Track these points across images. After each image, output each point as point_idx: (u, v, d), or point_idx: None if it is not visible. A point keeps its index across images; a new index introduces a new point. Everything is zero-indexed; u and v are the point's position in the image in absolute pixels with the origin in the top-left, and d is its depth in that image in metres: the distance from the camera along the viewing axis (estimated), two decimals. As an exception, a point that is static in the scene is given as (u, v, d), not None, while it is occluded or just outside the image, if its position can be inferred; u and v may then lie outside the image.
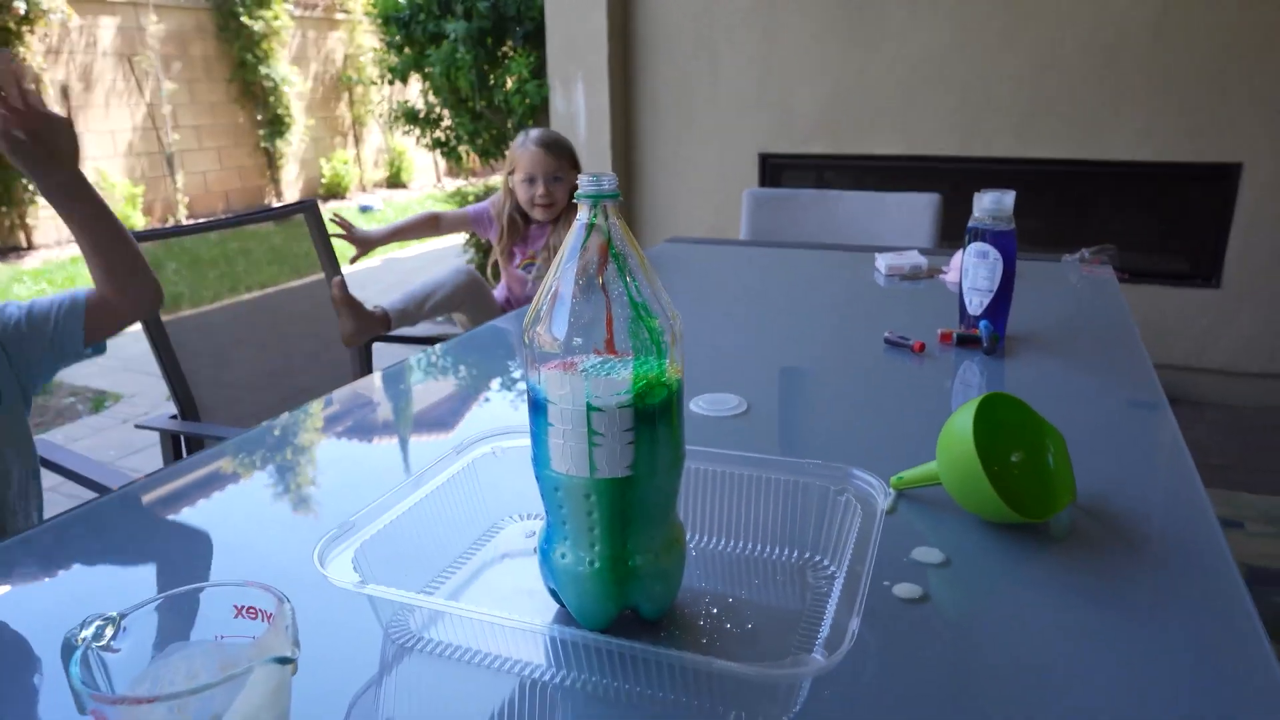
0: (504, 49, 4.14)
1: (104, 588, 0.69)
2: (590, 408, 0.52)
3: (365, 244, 2.10)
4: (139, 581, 0.70)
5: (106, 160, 6.68)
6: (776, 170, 3.64)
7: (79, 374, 3.63)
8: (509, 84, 4.03)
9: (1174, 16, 2.95)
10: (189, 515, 0.80)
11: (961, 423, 0.71)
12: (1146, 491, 0.80)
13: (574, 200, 0.54)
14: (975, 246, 1.26)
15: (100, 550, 0.74)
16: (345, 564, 0.57)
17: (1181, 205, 3.20)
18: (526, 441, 0.75)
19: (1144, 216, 3.26)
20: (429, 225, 2.27)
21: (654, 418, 0.54)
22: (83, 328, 1.10)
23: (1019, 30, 3.12)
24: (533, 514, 0.76)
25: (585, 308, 0.53)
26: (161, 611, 0.50)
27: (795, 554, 0.68)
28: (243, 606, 0.50)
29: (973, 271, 1.27)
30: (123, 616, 0.48)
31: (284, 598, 0.49)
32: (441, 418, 1.06)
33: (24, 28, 5.86)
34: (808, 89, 3.45)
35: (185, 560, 0.72)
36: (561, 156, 2.07)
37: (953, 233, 2.46)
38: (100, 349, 1.15)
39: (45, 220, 6.21)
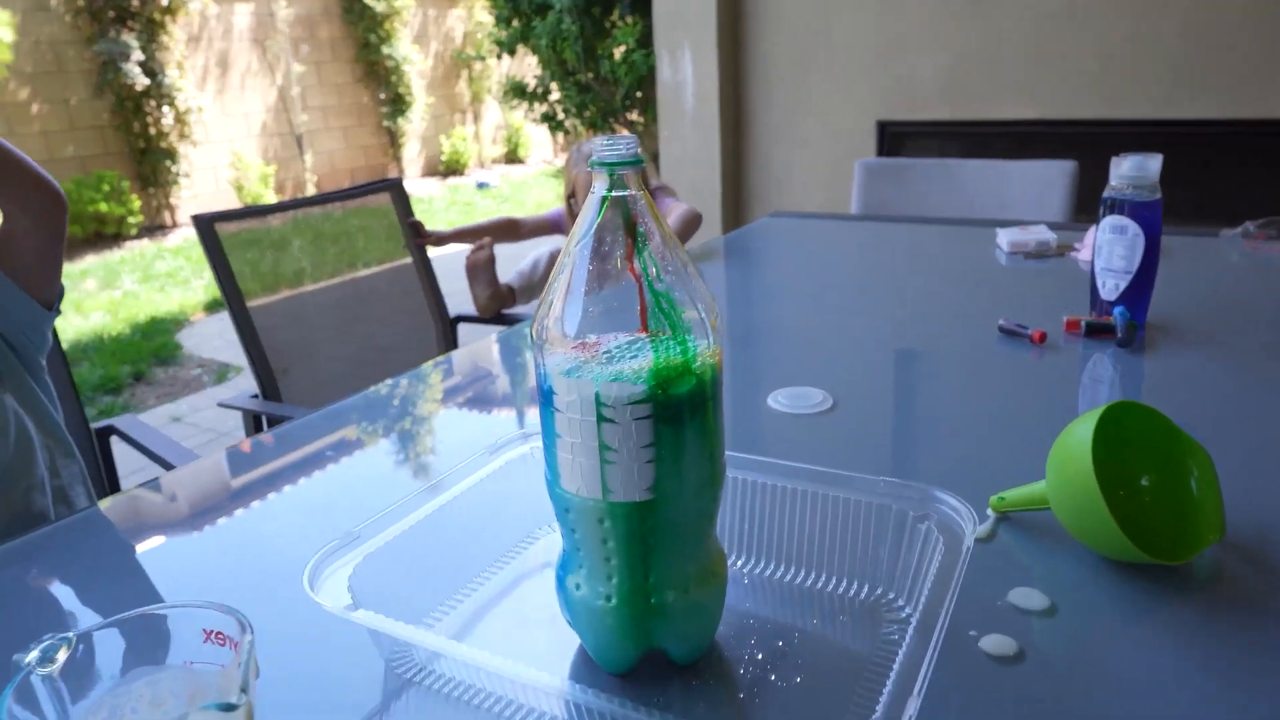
0: (610, 19, 4.06)
1: (106, 594, 0.66)
2: (601, 418, 0.44)
3: (440, 241, 2.10)
4: (143, 589, 0.67)
5: (241, 142, 7.05)
6: (897, 139, 3.42)
7: (207, 347, 3.84)
8: (616, 54, 3.95)
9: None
10: (225, 509, 0.77)
11: (1078, 436, 0.59)
12: (1321, 525, 0.65)
13: (589, 168, 0.45)
14: (1111, 220, 1.09)
15: (112, 550, 0.72)
16: (340, 583, 0.51)
17: (1370, 171, 2.80)
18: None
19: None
20: (508, 230, 2.24)
21: (680, 422, 0.45)
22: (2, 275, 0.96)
23: (1175, -24, 2.78)
24: (572, 523, 0.68)
25: (601, 297, 0.45)
26: (129, 632, 0.45)
27: (865, 590, 0.58)
28: (211, 631, 0.45)
29: (1107, 250, 1.10)
30: (79, 638, 0.44)
31: (246, 625, 0.43)
32: (495, 404, 1.00)
33: (167, 18, 6.22)
34: (930, 51, 3.21)
35: (207, 562, 0.69)
36: None
37: (1091, 205, 2.22)
38: (60, 297, 1.01)
39: (187, 200, 6.61)
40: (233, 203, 6.91)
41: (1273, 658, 0.51)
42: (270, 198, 7.02)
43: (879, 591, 0.58)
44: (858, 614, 0.56)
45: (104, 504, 0.78)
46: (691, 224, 2.06)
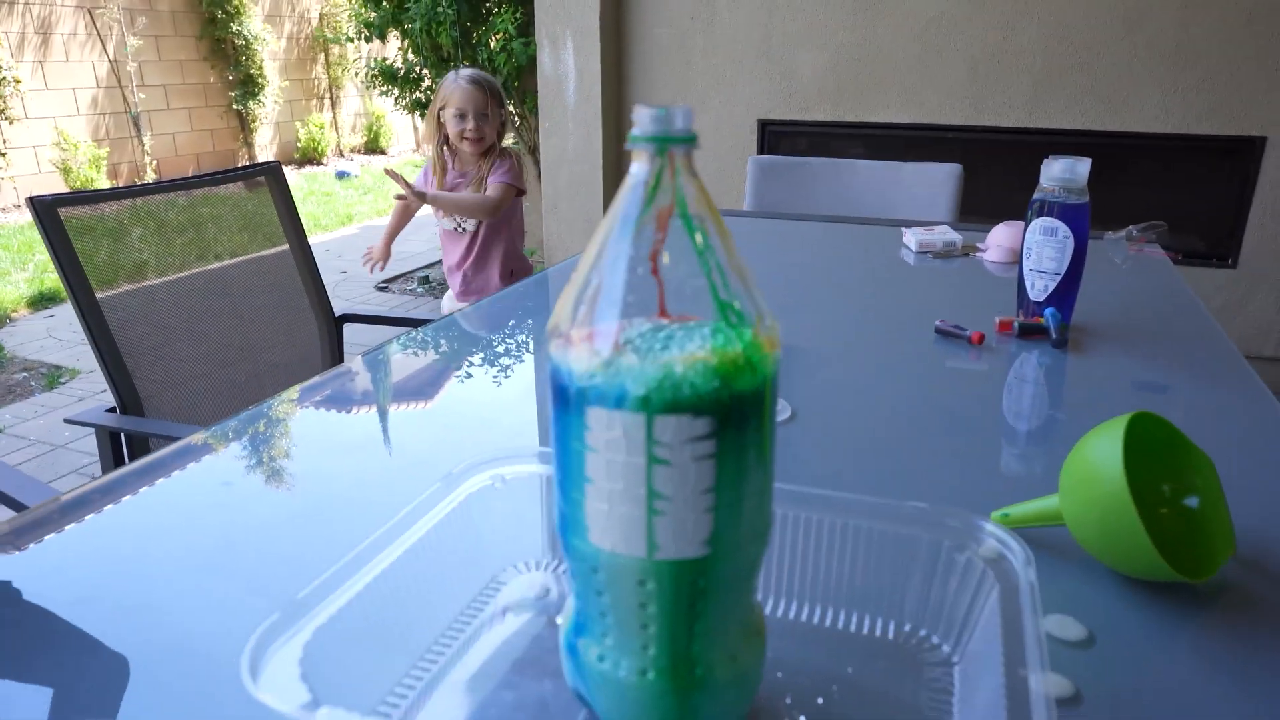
0: (488, 4, 3.91)
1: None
2: (653, 459, 0.35)
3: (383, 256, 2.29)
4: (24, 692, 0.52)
5: (67, 120, 6.35)
6: (775, 138, 3.45)
7: (32, 347, 3.40)
8: (493, 42, 3.80)
9: (1202, -19, 2.78)
10: (100, 563, 0.62)
11: (1105, 452, 0.55)
12: (1305, 531, 0.64)
13: (628, 145, 0.36)
14: (1041, 222, 1.09)
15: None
16: (289, 670, 0.40)
17: (1200, 180, 3.06)
18: (536, 467, 0.59)
19: (1160, 191, 3.11)
20: (407, 212, 2.27)
21: (744, 452, 0.36)
22: None
23: (1035, -6, 2.94)
24: (543, 562, 0.59)
25: (648, 310, 0.36)
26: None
27: (892, 627, 0.52)
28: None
29: (1037, 251, 1.10)
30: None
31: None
32: (434, 424, 0.89)
33: (-25, -25, 5.51)
34: (810, 53, 3.26)
35: (80, 641, 0.55)
36: (491, 95, 2.15)
37: (971, 206, 2.30)
38: None
39: (3, 183, 5.89)
40: (58, 186, 6.20)
41: (1321, 682, 0.48)
42: (102, 182, 6.36)
43: (907, 629, 0.52)
44: (893, 657, 0.50)
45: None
46: (492, 205, 2.18)
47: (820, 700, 0.46)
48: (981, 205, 2.52)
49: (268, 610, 0.43)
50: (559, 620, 0.51)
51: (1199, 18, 2.81)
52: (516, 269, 2.29)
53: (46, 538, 0.65)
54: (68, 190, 6.07)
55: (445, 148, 2.22)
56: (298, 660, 0.41)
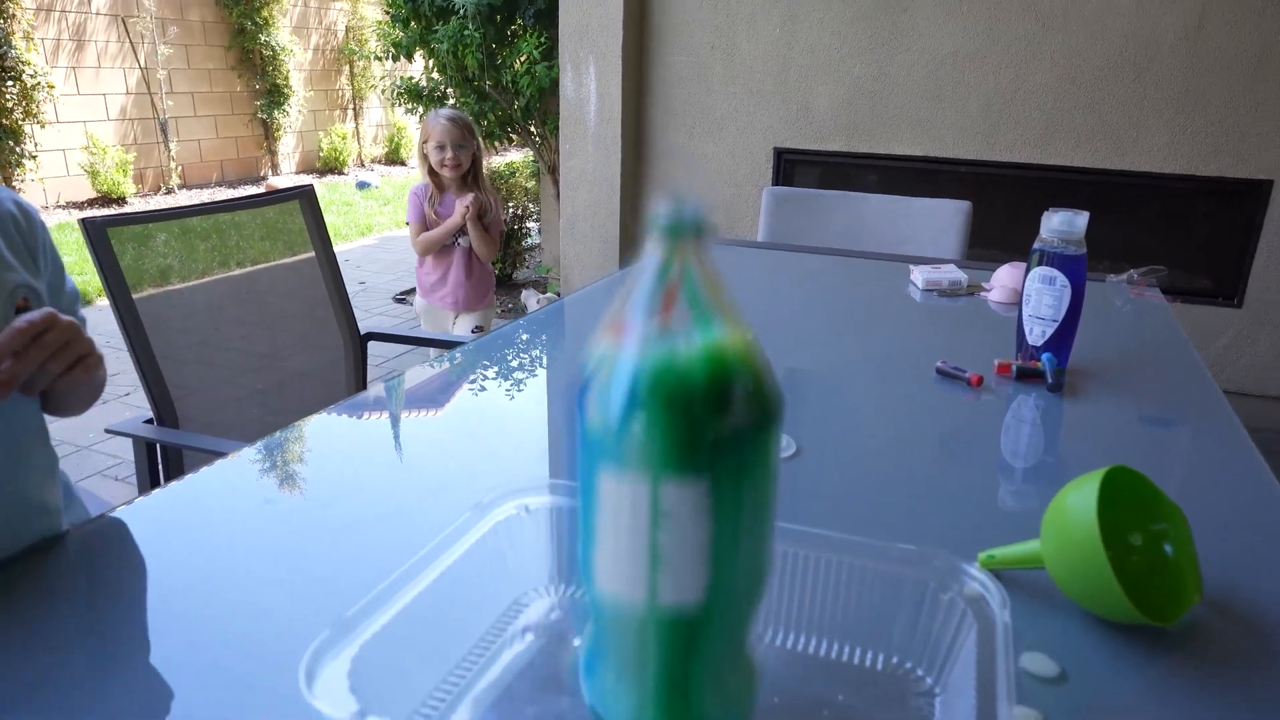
0: (514, 28, 3.99)
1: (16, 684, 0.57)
2: (657, 511, 0.40)
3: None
4: (58, 683, 0.58)
5: (97, 124, 6.49)
6: (790, 166, 3.51)
7: (58, 349, 3.47)
8: (517, 64, 3.89)
9: (1209, 30, 2.83)
10: (145, 580, 0.68)
11: (1081, 503, 0.60)
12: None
13: (649, 235, 0.42)
14: (1041, 271, 1.14)
15: (28, 618, 0.62)
16: (339, 683, 0.45)
17: (1206, 221, 3.10)
18: (560, 499, 0.64)
19: (1166, 230, 3.15)
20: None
21: (739, 506, 0.42)
22: None
23: (1047, 39, 3.00)
24: (557, 587, 0.64)
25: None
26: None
27: (880, 659, 0.57)
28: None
29: (1036, 298, 1.15)
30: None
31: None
32: (462, 449, 0.94)
33: (14, -17, 5.66)
34: (827, 86, 3.32)
35: (130, 656, 0.60)
36: (464, 129, 2.58)
37: (982, 239, 2.35)
38: None
39: (32, 184, 6.02)
40: (85, 189, 6.34)
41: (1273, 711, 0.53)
42: (128, 186, 6.49)
43: (894, 661, 0.57)
44: (881, 686, 0.55)
45: None
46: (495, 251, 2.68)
47: (811, 724, 0.51)
48: (992, 239, 2.57)
49: (315, 623, 0.48)
50: (576, 642, 0.56)
51: (1207, 63, 2.86)
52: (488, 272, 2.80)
53: (105, 550, 0.71)
54: (95, 194, 6.13)
55: (433, 177, 2.61)
56: (347, 672, 0.46)
